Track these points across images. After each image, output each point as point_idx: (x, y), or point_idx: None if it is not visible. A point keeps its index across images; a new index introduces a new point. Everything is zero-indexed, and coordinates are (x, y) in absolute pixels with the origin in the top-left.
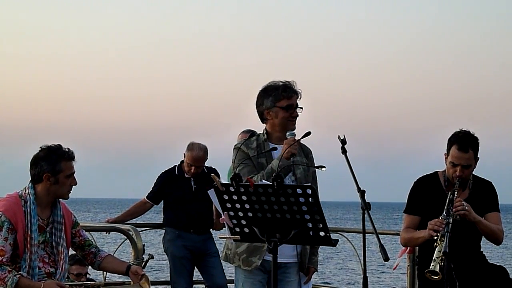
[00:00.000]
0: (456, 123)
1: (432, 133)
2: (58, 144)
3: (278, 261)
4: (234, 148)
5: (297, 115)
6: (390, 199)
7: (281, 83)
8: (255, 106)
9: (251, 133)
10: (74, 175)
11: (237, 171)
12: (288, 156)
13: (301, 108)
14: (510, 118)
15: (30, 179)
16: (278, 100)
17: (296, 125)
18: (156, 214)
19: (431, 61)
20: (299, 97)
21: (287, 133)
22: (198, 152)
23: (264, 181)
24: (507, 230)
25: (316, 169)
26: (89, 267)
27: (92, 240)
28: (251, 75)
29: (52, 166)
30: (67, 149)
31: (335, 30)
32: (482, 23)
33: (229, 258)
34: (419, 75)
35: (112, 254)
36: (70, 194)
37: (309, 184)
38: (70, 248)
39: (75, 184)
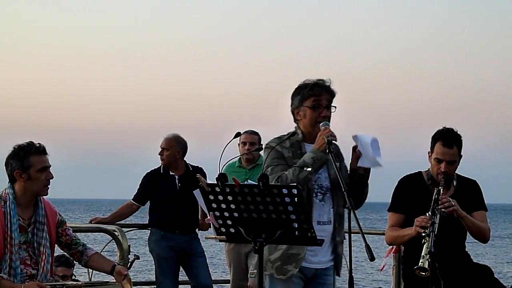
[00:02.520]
0: (439, 123)
1: (415, 132)
2: (29, 141)
3: (318, 267)
4: (265, 148)
5: (327, 115)
6: (377, 199)
7: (312, 81)
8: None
9: (289, 134)
10: (50, 169)
11: (269, 170)
12: (322, 148)
13: (335, 107)
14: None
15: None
16: (306, 98)
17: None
18: (142, 215)
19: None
20: (333, 96)
21: (320, 124)
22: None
23: (294, 177)
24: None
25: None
26: (76, 267)
27: (79, 239)
28: (251, 75)
29: (21, 162)
30: (37, 144)
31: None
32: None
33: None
34: (408, 79)
35: (100, 252)
36: (49, 191)
37: (295, 184)
38: (57, 248)
39: (51, 177)
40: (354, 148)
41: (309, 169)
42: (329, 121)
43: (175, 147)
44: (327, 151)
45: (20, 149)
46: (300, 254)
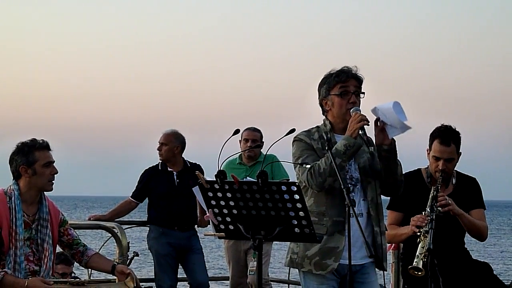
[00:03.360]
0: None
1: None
2: (32, 138)
3: (353, 263)
4: (294, 141)
5: (355, 101)
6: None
7: (337, 69)
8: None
9: (316, 127)
10: (54, 164)
11: (300, 162)
12: (355, 134)
13: (363, 93)
14: None
15: (12, 177)
16: (332, 86)
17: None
18: (141, 212)
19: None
20: (361, 82)
21: (351, 109)
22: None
23: (327, 166)
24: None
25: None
26: (75, 266)
27: (80, 239)
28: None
29: (26, 157)
30: (41, 140)
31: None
32: None
33: (296, 263)
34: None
35: (98, 251)
36: (53, 187)
37: (294, 181)
38: (58, 247)
39: (56, 172)
40: (376, 122)
41: (324, 165)
42: (359, 107)
43: (173, 142)
44: (361, 132)
45: (25, 145)
46: (339, 247)
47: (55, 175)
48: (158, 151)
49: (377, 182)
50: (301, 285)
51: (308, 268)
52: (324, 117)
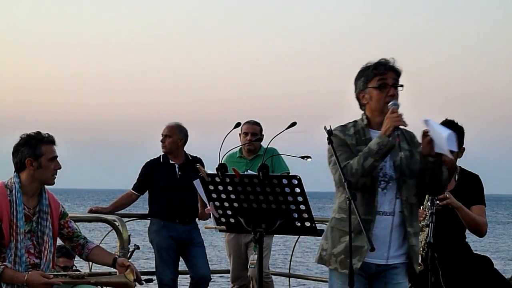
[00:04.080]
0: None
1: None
2: (37, 131)
3: (380, 263)
4: (328, 138)
5: (394, 94)
6: None
7: (375, 61)
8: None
9: (353, 121)
10: (58, 159)
11: (332, 161)
12: (389, 132)
13: (402, 86)
14: None
15: (14, 169)
16: (370, 79)
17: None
18: (142, 204)
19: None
20: (399, 74)
21: (389, 104)
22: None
23: (360, 166)
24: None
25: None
26: (76, 259)
27: (81, 231)
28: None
29: (33, 150)
30: (46, 134)
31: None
32: None
33: (325, 260)
34: None
35: (99, 244)
36: (55, 180)
37: (295, 174)
38: (58, 239)
39: (59, 167)
40: (425, 133)
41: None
42: (397, 100)
43: (177, 134)
44: (397, 132)
45: (31, 138)
46: (364, 246)
47: (57, 170)
48: (161, 143)
49: (413, 181)
50: (328, 283)
51: (334, 266)
52: (362, 112)
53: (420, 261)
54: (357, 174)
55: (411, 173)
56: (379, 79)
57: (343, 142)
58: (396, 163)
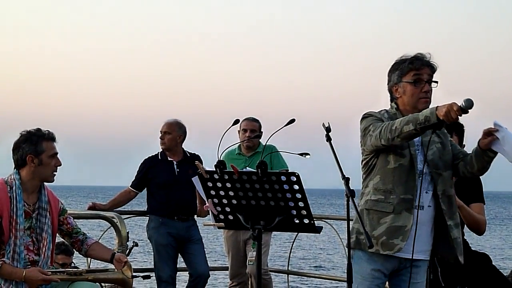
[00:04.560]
0: None
1: None
2: (37, 127)
3: (400, 256)
4: (362, 118)
5: (429, 90)
6: None
7: (411, 55)
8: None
9: (382, 110)
10: (58, 156)
11: (371, 128)
12: (441, 116)
13: (436, 82)
14: None
15: (13, 165)
16: (405, 73)
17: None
18: (141, 201)
19: None
20: (434, 70)
21: (464, 99)
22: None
23: (400, 126)
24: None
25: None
26: (75, 256)
27: (80, 228)
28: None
29: (34, 147)
30: (46, 131)
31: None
32: None
33: (363, 243)
34: None
35: (98, 240)
36: (55, 178)
37: (294, 171)
38: (57, 236)
39: (60, 164)
40: (491, 131)
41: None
42: (430, 97)
43: (177, 131)
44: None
45: (32, 134)
46: (407, 225)
47: (57, 167)
48: (160, 140)
49: (449, 173)
50: (353, 269)
51: (375, 248)
52: (392, 103)
53: None
54: (396, 131)
55: (445, 165)
56: (414, 74)
57: (379, 119)
58: (428, 157)
